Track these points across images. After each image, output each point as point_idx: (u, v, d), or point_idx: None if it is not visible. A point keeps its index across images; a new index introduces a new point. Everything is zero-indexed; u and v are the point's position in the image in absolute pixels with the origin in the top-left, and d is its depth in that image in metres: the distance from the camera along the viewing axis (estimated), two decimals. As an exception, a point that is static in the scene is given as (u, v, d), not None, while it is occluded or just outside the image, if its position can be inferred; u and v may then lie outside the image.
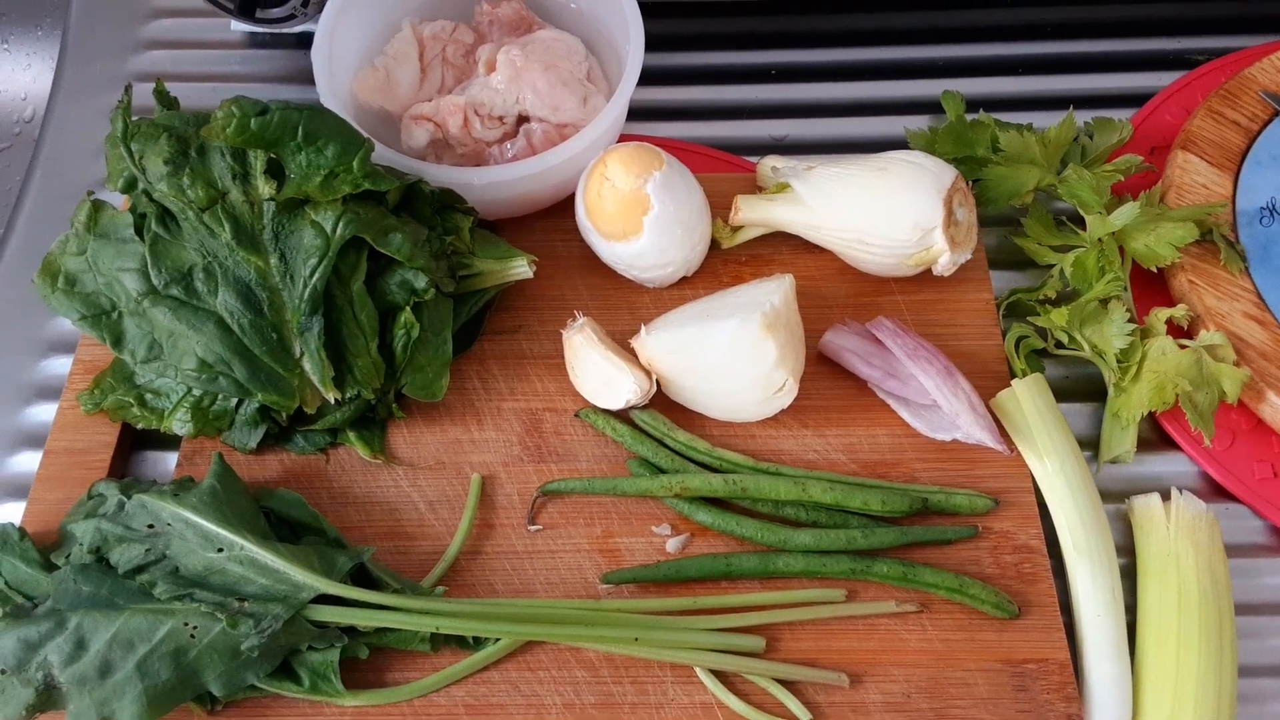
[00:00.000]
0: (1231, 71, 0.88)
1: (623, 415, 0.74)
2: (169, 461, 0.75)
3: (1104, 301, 0.75)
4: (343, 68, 0.82)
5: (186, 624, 0.60)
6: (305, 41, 0.95)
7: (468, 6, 0.88)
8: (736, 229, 0.81)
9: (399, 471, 0.73)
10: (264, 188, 0.68)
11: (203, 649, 0.60)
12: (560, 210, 0.82)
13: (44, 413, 0.79)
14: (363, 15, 0.83)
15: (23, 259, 0.87)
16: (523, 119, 0.83)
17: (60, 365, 0.81)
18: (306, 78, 0.79)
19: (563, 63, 0.83)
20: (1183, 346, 0.73)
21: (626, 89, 0.77)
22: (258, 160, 0.68)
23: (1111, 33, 0.96)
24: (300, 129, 0.68)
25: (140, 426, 0.73)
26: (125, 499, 0.66)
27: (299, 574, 0.62)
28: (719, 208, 0.80)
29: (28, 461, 0.77)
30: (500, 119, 0.82)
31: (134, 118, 0.69)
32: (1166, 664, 0.64)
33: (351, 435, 0.74)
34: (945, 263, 0.75)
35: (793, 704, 0.63)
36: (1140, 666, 0.65)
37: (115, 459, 0.74)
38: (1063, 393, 0.76)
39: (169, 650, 0.59)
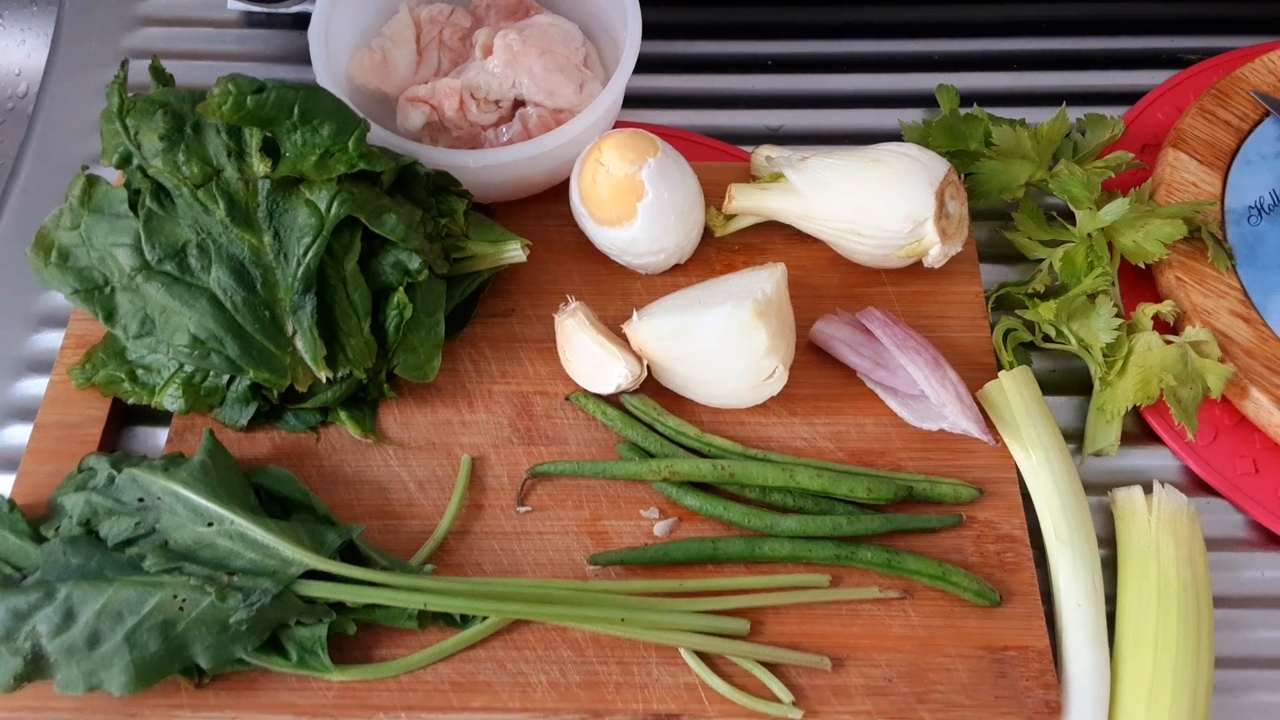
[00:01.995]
0: (1223, 71, 0.89)
1: (613, 400, 0.74)
2: (159, 437, 0.75)
3: (1092, 296, 0.76)
4: (339, 49, 0.82)
5: (175, 596, 0.60)
6: (301, 22, 0.96)
7: (466, -11, 0.88)
8: (730, 217, 0.81)
9: (389, 451, 0.73)
10: (259, 166, 0.68)
11: (191, 621, 0.60)
12: (554, 195, 0.82)
13: (35, 387, 0.79)
14: (361, -4, 0.83)
15: (15, 234, 0.87)
16: (518, 103, 0.83)
17: (52, 340, 0.81)
18: (302, 58, 0.80)
19: (560, 48, 0.83)
20: (1168, 342, 0.74)
21: (623, 75, 0.77)
22: (253, 138, 0.69)
23: (1105, 31, 0.97)
24: (296, 108, 0.68)
25: (131, 402, 0.73)
26: (115, 473, 0.66)
27: (288, 549, 0.62)
28: (713, 196, 0.81)
29: (18, 435, 0.77)
30: (496, 103, 0.83)
31: (129, 94, 0.69)
32: (1144, 653, 0.65)
33: (343, 414, 0.74)
34: (936, 255, 0.75)
35: (775, 686, 0.63)
36: (1119, 655, 0.66)
37: (106, 434, 0.74)
38: (1049, 386, 0.77)
39: (158, 622, 0.60)
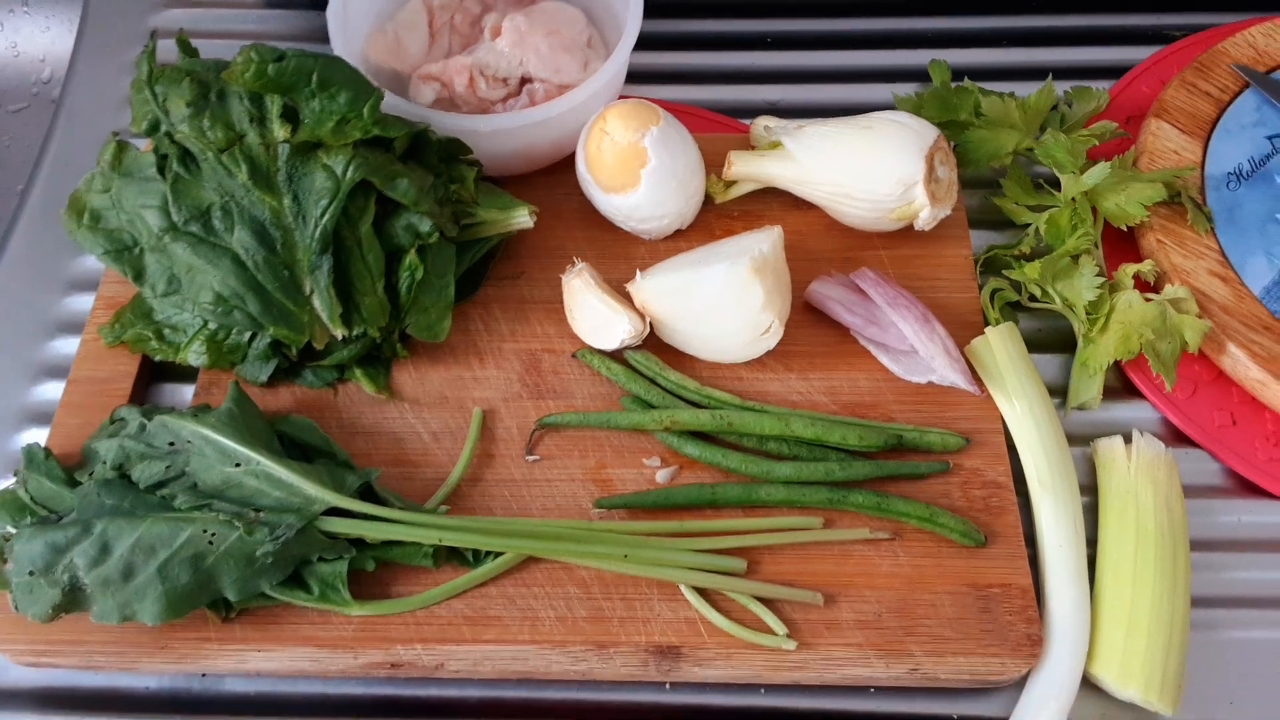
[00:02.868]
0: (1205, 46, 0.92)
1: (617, 355, 0.78)
2: (186, 393, 0.79)
3: (1075, 257, 0.79)
4: (356, 30, 0.85)
5: (205, 531, 0.64)
6: (319, 3, 0.99)
7: (475, -23, 0.92)
8: (729, 184, 0.84)
9: (404, 405, 0.77)
10: (279, 131, 0.72)
11: (220, 555, 0.64)
12: (561, 167, 0.85)
13: (67, 346, 0.83)
14: (376, -20, 0.87)
15: (47, 205, 0.91)
16: (525, 81, 0.86)
17: (82, 302, 0.85)
18: (320, 37, 0.83)
19: (565, 29, 0.87)
20: (1148, 300, 0.77)
21: (627, 43, 0.80)
22: (274, 105, 0.72)
23: (1092, 8, 1.00)
24: (315, 76, 0.71)
25: (158, 359, 0.77)
26: (146, 421, 0.70)
27: (312, 488, 0.66)
28: (713, 166, 0.84)
29: (52, 390, 0.81)
30: (504, 80, 0.86)
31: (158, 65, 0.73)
32: (1123, 591, 0.68)
33: (358, 372, 0.77)
34: (926, 217, 0.79)
35: (771, 619, 0.67)
36: (1099, 594, 0.69)
37: (135, 389, 0.78)
38: (1034, 344, 0.80)
39: (189, 555, 0.63)
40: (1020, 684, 0.68)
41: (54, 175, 0.93)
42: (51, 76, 1.12)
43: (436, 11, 0.89)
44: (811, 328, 0.80)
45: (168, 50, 0.76)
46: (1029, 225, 0.83)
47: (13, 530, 0.67)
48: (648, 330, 0.76)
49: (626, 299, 0.77)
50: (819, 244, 0.84)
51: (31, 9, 1.14)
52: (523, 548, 0.67)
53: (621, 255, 0.83)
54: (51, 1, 1.14)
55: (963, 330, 0.78)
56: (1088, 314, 0.78)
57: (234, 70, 0.70)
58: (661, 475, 0.73)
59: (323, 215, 0.72)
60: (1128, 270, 0.78)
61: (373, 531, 0.66)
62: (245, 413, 0.70)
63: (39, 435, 0.77)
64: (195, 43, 0.78)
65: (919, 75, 0.95)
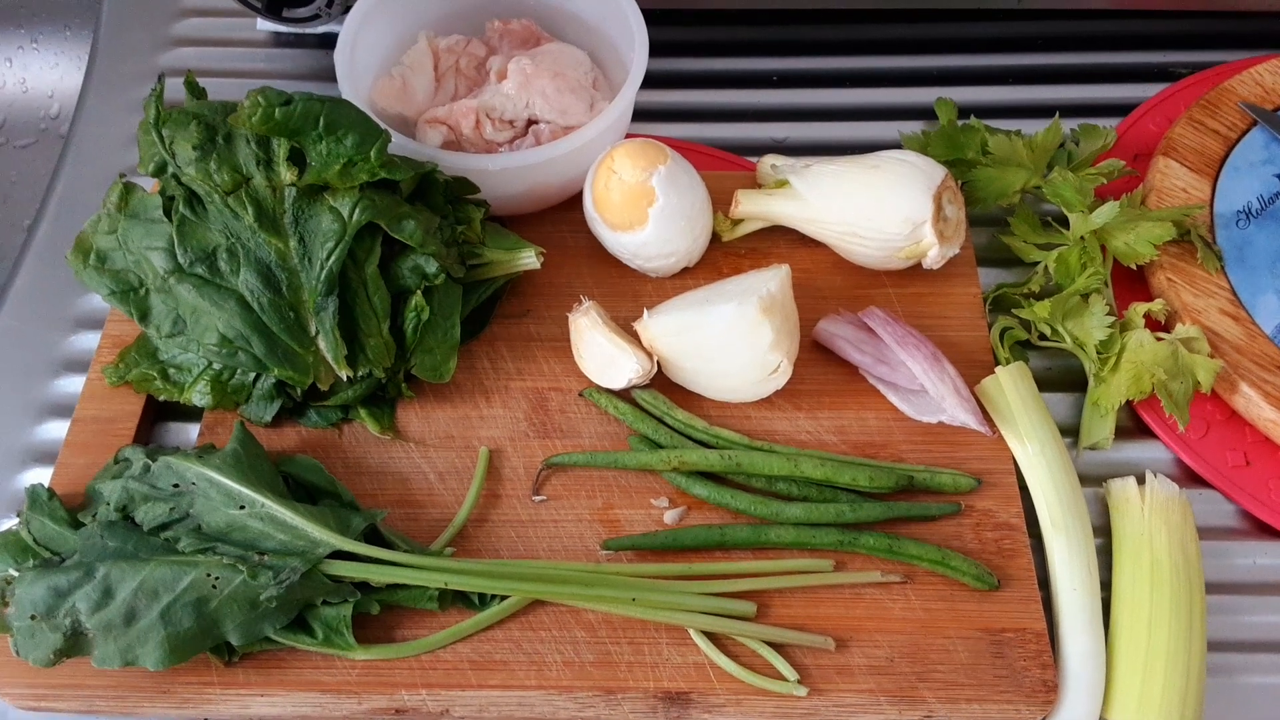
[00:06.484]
0: (1212, 83, 0.92)
1: (625, 395, 0.77)
2: (191, 433, 0.79)
3: (1085, 296, 0.79)
4: (362, 74, 0.85)
5: (209, 575, 0.63)
6: (327, 42, 1.00)
7: (479, 22, 0.92)
8: (736, 222, 0.84)
9: (410, 444, 0.76)
10: (286, 174, 0.72)
11: (223, 599, 0.63)
12: (568, 205, 0.85)
13: (73, 385, 0.82)
14: (382, 26, 0.87)
15: (54, 243, 0.91)
16: (532, 123, 0.86)
17: (88, 340, 0.85)
18: (328, 76, 0.83)
19: (570, 71, 0.87)
20: (1160, 339, 0.77)
21: (634, 81, 0.80)
22: (281, 148, 0.72)
23: (1099, 46, 1.00)
24: (322, 119, 0.71)
25: (162, 399, 0.76)
26: (151, 462, 0.70)
27: (316, 531, 0.65)
28: (720, 204, 0.84)
29: (56, 429, 0.80)
30: (510, 122, 0.86)
31: (165, 107, 0.73)
32: (1138, 635, 0.67)
33: (362, 412, 0.77)
34: (934, 256, 0.79)
35: (781, 665, 0.66)
36: (1114, 638, 0.68)
37: (140, 429, 0.77)
38: (1045, 383, 0.79)
39: (192, 600, 0.63)
40: (1035, 731, 0.67)
41: (62, 211, 0.93)
42: (60, 112, 1.13)
43: (442, 55, 0.90)
44: (820, 366, 0.79)
45: (176, 87, 0.76)
46: (1038, 263, 0.82)
47: (15, 573, 0.66)
48: (655, 369, 0.76)
49: (634, 338, 0.77)
50: (827, 282, 0.83)
51: (41, 45, 1.15)
52: (529, 591, 0.67)
53: (629, 293, 0.83)
54: (61, 38, 1.15)
55: (972, 369, 0.78)
56: (1099, 353, 0.77)
57: (241, 114, 0.70)
58: (670, 516, 0.73)
59: (329, 257, 0.72)
60: (1138, 309, 0.78)
61: (378, 575, 0.66)
62: (250, 454, 0.70)
63: (43, 475, 0.76)
64: (203, 81, 0.78)
65: (925, 113, 0.95)
